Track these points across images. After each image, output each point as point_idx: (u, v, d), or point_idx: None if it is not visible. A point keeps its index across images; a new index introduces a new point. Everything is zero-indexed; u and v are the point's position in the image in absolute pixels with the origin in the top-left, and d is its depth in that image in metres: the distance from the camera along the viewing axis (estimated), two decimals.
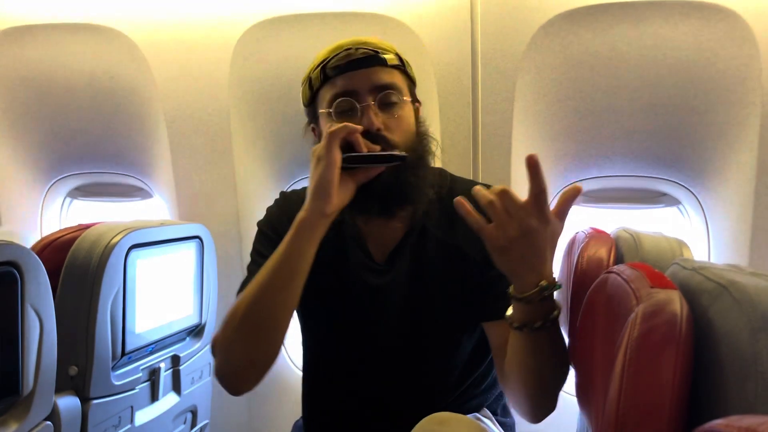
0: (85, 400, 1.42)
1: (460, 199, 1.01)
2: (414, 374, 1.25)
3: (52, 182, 2.44)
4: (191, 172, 2.13)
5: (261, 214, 2.13)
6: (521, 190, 1.90)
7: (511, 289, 1.02)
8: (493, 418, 1.29)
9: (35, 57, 2.18)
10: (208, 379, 1.99)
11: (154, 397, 1.69)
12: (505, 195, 0.97)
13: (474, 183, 1.31)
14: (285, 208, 1.32)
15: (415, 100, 1.29)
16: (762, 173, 1.72)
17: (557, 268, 1.57)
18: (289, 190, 1.43)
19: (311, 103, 1.28)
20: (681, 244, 1.25)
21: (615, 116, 1.85)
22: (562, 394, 2.07)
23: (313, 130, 1.30)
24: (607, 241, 1.30)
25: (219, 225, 2.10)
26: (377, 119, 1.16)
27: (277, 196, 1.42)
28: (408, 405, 1.23)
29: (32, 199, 2.44)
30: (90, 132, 2.27)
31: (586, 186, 2.00)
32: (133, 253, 1.56)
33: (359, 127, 1.11)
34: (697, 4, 1.67)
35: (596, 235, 1.35)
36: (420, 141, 1.24)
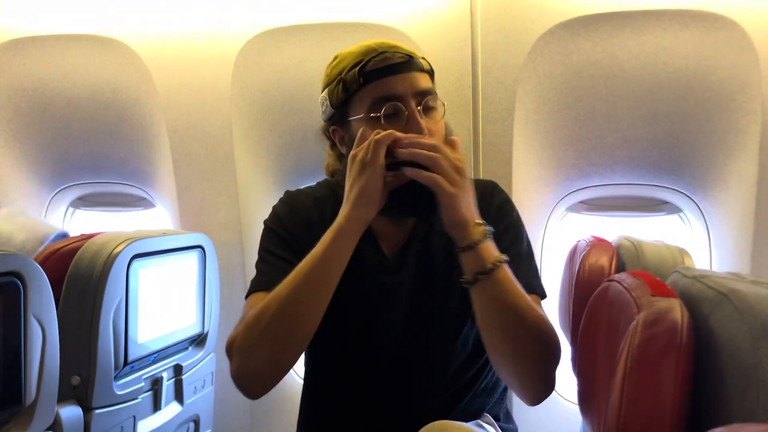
0: (87, 409, 1.42)
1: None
2: (416, 372, 1.24)
3: (55, 192, 2.45)
4: (193, 182, 2.14)
5: (262, 224, 2.14)
6: (524, 199, 1.91)
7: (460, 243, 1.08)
8: (495, 425, 1.28)
9: (38, 68, 2.19)
10: (211, 389, 1.98)
11: (156, 406, 1.69)
12: (438, 148, 1.07)
13: (483, 181, 1.36)
14: (296, 209, 1.31)
15: None
16: (763, 181, 1.72)
17: (559, 276, 1.58)
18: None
19: (342, 105, 1.23)
20: (682, 252, 1.25)
21: (615, 125, 1.85)
22: (564, 402, 2.06)
23: (334, 132, 1.26)
24: (608, 249, 1.30)
25: (221, 234, 2.10)
26: (423, 123, 1.16)
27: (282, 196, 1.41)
28: (409, 407, 1.23)
29: (35, 209, 2.44)
30: (93, 142, 2.28)
31: (587, 194, 2.01)
32: (136, 263, 1.56)
33: (403, 135, 1.10)
34: (697, 13, 1.68)
35: (598, 243, 1.35)
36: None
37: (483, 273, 1.06)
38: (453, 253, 1.11)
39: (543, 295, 1.26)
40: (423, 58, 1.23)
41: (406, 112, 1.15)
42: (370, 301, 1.26)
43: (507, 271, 1.08)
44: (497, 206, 1.28)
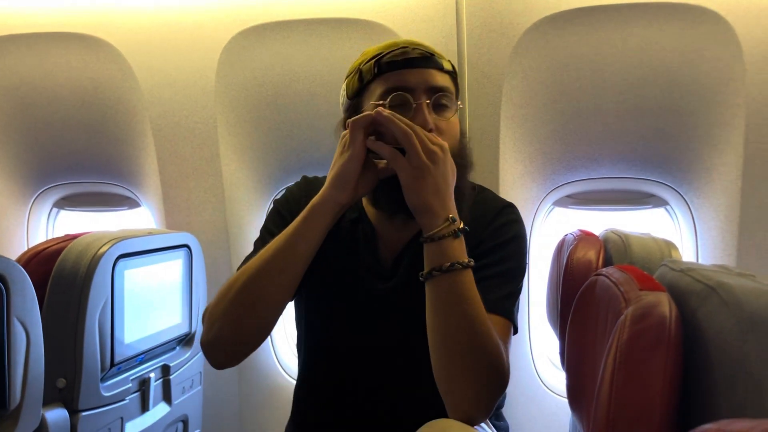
0: (73, 412, 1.41)
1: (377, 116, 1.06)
2: (407, 375, 1.24)
3: (38, 192, 2.42)
4: (178, 181, 2.12)
5: (249, 222, 2.14)
6: (511, 194, 1.91)
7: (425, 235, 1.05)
8: (488, 422, 1.28)
9: (19, 67, 2.17)
10: (199, 389, 1.97)
11: (144, 407, 1.68)
12: (414, 127, 1.04)
13: (500, 200, 1.33)
14: (306, 190, 1.30)
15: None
16: (748, 173, 1.73)
17: (546, 270, 1.58)
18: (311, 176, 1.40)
19: (357, 96, 1.23)
20: (669, 245, 1.26)
21: (601, 118, 1.86)
22: (553, 396, 2.07)
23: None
24: (595, 243, 1.30)
25: (207, 233, 2.09)
26: (431, 118, 1.14)
27: (266, 203, 1.41)
28: (402, 410, 1.22)
29: (18, 210, 2.42)
30: (76, 141, 2.26)
31: (574, 188, 2.01)
32: (121, 263, 1.55)
33: (385, 112, 1.06)
34: (681, 6, 1.68)
35: (585, 237, 1.35)
36: (461, 152, 1.23)
37: (438, 270, 1.03)
38: None
39: (511, 321, 1.17)
40: (448, 60, 1.23)
41: (414, 105, 1.15)
42: (360, 306, 1.25)
43: (468, 277, 1.04)
44: (499, 224, 1.25)
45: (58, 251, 1.49)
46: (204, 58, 2.00)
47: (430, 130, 1.12)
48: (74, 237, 1.55)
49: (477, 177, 1.89)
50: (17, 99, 2.22)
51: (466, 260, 1.04)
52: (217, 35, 1.98)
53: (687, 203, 1.91)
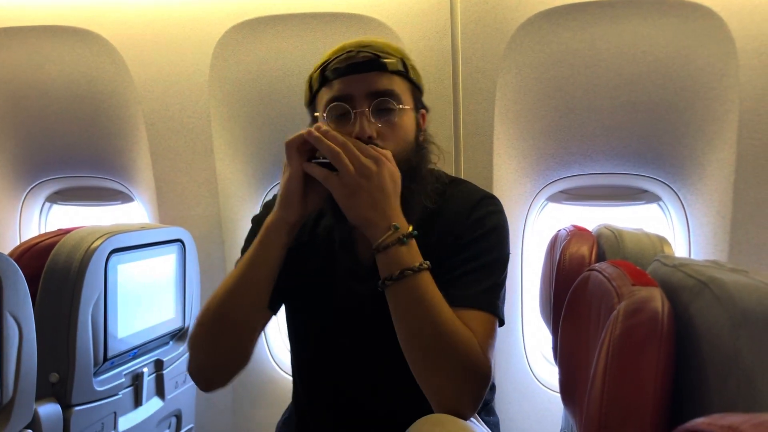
0: (66, 406, 1.41)
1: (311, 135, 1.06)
2: (395, 377, 1.24)
3: (31, 187, 2.41)
4: (172, 175, 2.12)
5: (243, 216, 2.13)
6: (504, 189, 1.92)
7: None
8: (479, 417, 1.28)
9: (11, 60, 2.15)
10: (192, 383, 1.97)
11: (137, 402, 1.68)
12: (345, 144, 1.04)
13: (478, 191, 1.31)
14: None
15: (420, 108, 1.27)
16: (740, 169, 1.74)
17: (539, 266, 1.58)
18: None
19: (310, 105, 1.26)
20: (662, 241, 1.26)
21: (595, 114, 1.86)
22: (545, 391, 2.08)
23: None
24: (588, 238, 1.30)
25: (201, 228, 2.08)
26: (370, 127, 1.14)
27: (260, 198, 1.41)
28: (392, 407, 1.23)
29: (10, 204, 2.41)
30: (69, 136, 2.25)
31: (567, 184, 2.02)
32: (114, 258, 1.54)
33: (321, 129, 1.07)
34: (675, 2, 1.68)
35: (578, 232, 1.35)
36: (417, 150, 1.22)
37: (390, 279, 1.04)
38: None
39: (494, 314, 1.15)
40: (399, 59, 1.21)
41: (353, 113, 1.15)
42: (344, 306, 1.25)
43: (422, 280, 1.04)
44: (477, 217, 1.23)
45: (51, 246, 1.48)
46: (197, 52, 1.99)
47: (369, 138, 1.12)
48: (67, 231, 1.54)
49: (470, 172, 1.90)
50: (9, 93, 2.20)
51: (417, 264, 1.04)
52: (210, 29, 1.97)
53: (680, 199, 1.92)
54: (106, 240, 1.50)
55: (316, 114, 1.21)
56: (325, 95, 1.19)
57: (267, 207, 1.36)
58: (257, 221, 1.33)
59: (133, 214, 2.40)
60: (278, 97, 2.02)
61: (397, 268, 1.04)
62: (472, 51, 1.84)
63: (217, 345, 1.15)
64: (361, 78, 1.16)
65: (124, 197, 2.39)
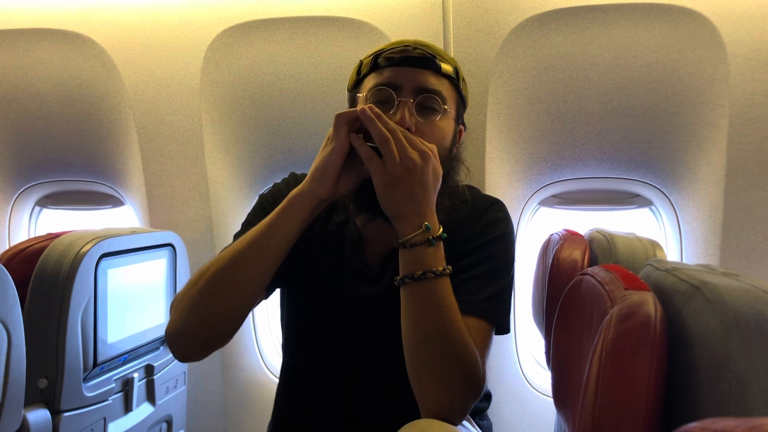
0: (55, 412, 1.39)
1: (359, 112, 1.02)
2: (390, 376, 1.23)
3: (20, 191, 2.39)
4: (163, 179, 2.11)
5: (234, 221, 2.12)
6: (497, 193, 1.91)
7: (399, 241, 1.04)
8: (472, 421, 1.28)
9: (0, 64, 2.14)
10: (183, 389, 1.96)
11: (127, 407, 1.67)
12: (395, 132, 1.02)
13: (487, 197, 1.32)
14: (293, 186, 1.24)
15: (460, 121, 1.27)
16: (731, 173, 1.75)
17: (532, 270, 1.58)
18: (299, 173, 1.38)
19: (354, 87, 1.25)
20: (654, 245, 1.26)
21: (587, 118, 1.87)
22: (538, 396, 2.07)
23: None
24: (581, 242, 1.31)
25: (191, 232, 2.07)
26: (410, 118, 1.12)
27: (251, 202, 1.40)
28: (383, 411, 1.22)
29: None
30: (59, 139, 2.24)
31: (559, 188, 2.02)
32: (104, 262, 1.53)
33: (370, 112, 1.03)
34: (666, 7, 1.69)
35: (570, 236, 1.35)
36: (450, 160, 1.21)
37: (411, 277, 1.02)
38: None
39: (493, 323, 1.15)
40: (453, 66, 1.21)
41: (397, 102, 1.14)
42: (345, 308, 1.24)
43: (442, 285, 1.03)
44: (486, 222, 1.23)
45: (40, 250, 1.47)
46: (189, 55, 1.99)
47: (408, 129, 1.10)
48: (56, 236, 1.53)
49: (463, 176, 1.89)
50: None
51: (441, 268, 1.03)
52: (202, 32, 1.96)
53: (671, 203, 1.93)
54: (96, 244, 1.49)
55: (360, 95, 1.19)
56: (372, 80, 1.18)
57: (277, 187, 1.33)
58: (266, 198, 1.30)
59: (123, 218, 2.39)
60: (270, 100, 2.01)
61: (419, 267, 1.02)
62: (464, 55, 1.84)
63: (205, 311, 1.09)
64: (412, 71, 1.16)
65: (114, 201, 2.38)
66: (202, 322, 1.10)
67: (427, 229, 1.02)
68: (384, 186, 1.01)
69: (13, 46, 2.10)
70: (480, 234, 1.22)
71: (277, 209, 1.10)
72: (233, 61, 1.99)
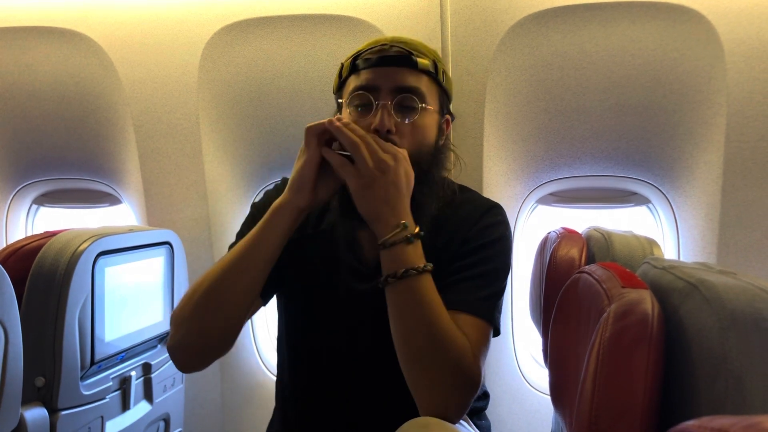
0: (53, 411, 1.39)
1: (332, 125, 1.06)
2: (386, 373, 1.23)
3: (18, 189, 2.39)
4: (160, 177, 2.11)
5: (232, 219, 2.12)
6: (494, 191, 1.91)
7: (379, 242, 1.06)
8: (470, 420, 1.28)
9: None
10: (181, 387, 1.96)
11: (125, 406, 1.67)
12: (365, 137, 1.06)
13: (486, 200, 1.33)
14: (282, 191, 1.31)
15: (446, 113, 1.27)
16: (728, 171, 1.75)
17: (529, 268, 1.58)
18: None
19: (338, 90, 1.27)
20: (651, 243, 1.26)
21: (584, 116, 1.87)
22: (536, 393, 2.07)
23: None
24: (578, 240, 1.31)
25: (189, 230, 2.07)
26: (389, 120, 1.13)
27: (249, 200, 1.40)
28: (382, 410, 1.22)
29: None
30: (56, 137, 2.23)
31: (557, 186, 2.02)
32: (102, 260, 1.53)
33: (342, 120, 1.07)
34: (663, 5, 1.69)
35: (568, 234, 1.35)
36: (434, 155, 1.22)
37: (393, 276, 1.04)
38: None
39: (490, 323, 1.15)
40: (432, 60, 1.21)
41: (375, 105, 1.15)
42: (341, 306, 1.25)
43: (424, 281, 1.04)
44: (485, 224, 1.24)
45: (37, 248, 1.47)
46: (186, 53, 1.98)
47: (387, 132, 1.12)
48: (54, 234, 1.53)
49: (461, 174, 1.90)
50: None
51: (421, 265, 1.05)
52: (199, 31, 1.96)
53: (669, 201, 1.93)
54: (93, 242, 1.49)
55: (341, 101, 1.22)
56: (352, 83, 1.20)
57: (267, 195, 1.35)
58: (257, 207, 1.32)
59: (121, 216, 2.38)
60: (267, 98, 2.01)
61: (400, 266, 1.04)
62: (462, 53, 1.84)
63: (202, 323, 1.13)
64: (389, 71, 1.17)
65: (112, 199, 2.38)
66: (200, 335, 1.14)
67: (405, 227, 1.05)
68: (359, 189, 1.05)
69: (11, 44, 2.10)
70: (478, 236, 1.22)
71: (261, 221, 1.13)
72: (231, 59, 1.98)
